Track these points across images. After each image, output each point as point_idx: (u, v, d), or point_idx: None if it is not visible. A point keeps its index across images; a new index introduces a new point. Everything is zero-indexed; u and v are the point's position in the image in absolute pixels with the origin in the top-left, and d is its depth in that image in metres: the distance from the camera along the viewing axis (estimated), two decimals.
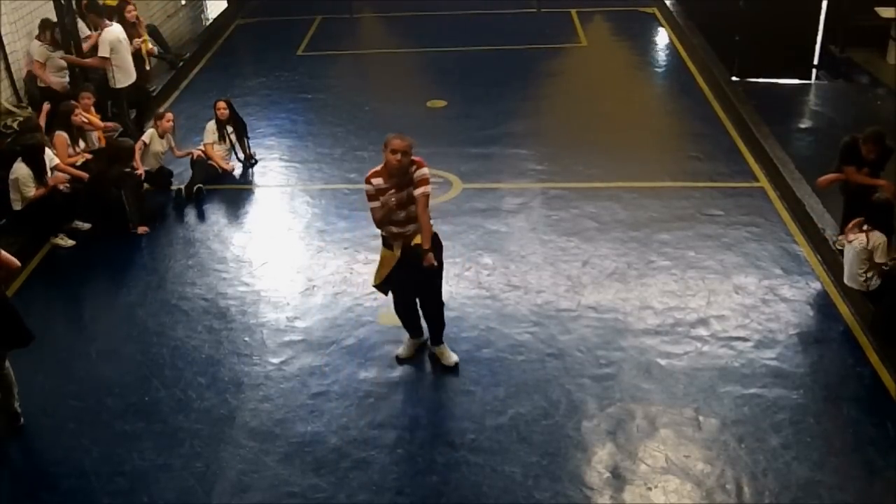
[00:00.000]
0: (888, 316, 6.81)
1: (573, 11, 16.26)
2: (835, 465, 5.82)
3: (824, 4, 12.89)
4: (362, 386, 6.71)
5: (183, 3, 15.87)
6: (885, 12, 12.55)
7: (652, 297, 7.66)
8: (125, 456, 6.08)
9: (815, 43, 12.73)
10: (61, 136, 9.34)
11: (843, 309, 7.44)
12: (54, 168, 8.83)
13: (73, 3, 10.86)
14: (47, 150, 8.78)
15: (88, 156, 9.58)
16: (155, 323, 7.59)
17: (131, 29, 11.41)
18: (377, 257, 6.68)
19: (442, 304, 6.79)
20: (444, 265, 6.73)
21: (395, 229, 6.37)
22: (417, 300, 6.74)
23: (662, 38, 14.98)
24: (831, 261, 7.91)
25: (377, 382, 6.74)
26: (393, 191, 6.19)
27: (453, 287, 7.75)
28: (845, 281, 7.36)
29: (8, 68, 10.34)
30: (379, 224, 6.43)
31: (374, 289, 6.85)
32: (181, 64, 13.67)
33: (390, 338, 7.19)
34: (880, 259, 7.01)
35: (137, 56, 11.37)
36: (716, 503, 5.55)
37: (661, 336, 7.14)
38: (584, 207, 9.25)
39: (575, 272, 8.08)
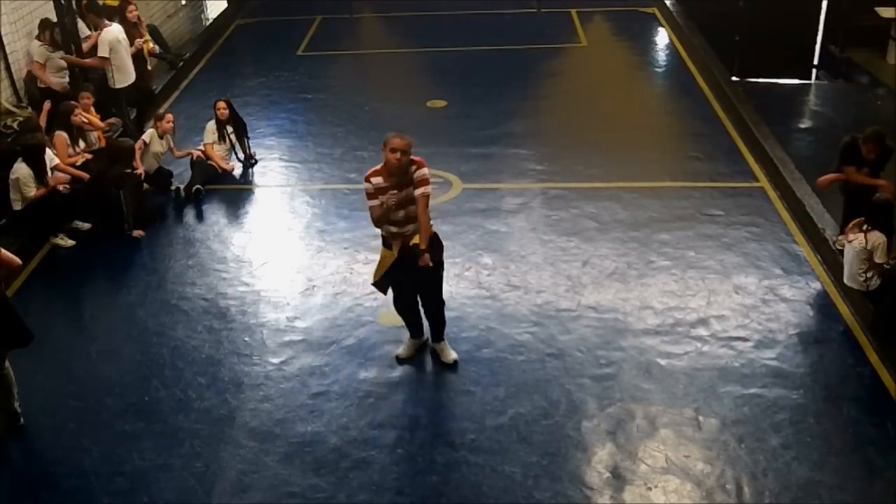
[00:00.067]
0: (888, 316, 6.81)
1: (573, 11, 16.27)
2: (835, 465, 5.82)
3: (824, 4, 12.92)
4: (362, 386, 6.71)
5: (183, 3, 15.87)
6: (885, 12, 12.55)
7: (652, 297, 7.66)
8: (125, 456, 6.07)
9: (815, 43, 12.75)
10: (61, 136, 9.34)
11: (843, 309, 7.44)
12: (54, 168, 8.84)
13: (73, 3, 10.87)
14: (47, 150, 8.78)
15: (88, 156, 9.59)
16: (155, 323, 7.59)
17: (133, 29, 11.38)
18: (377, 257, 6.69)
19: (442, 302, 6.80)
20: (445, 265, 6.74)
21: (393, 229, 6.38)
22: (419, 298, 6.75)
23: (662, 38, 14.98)
24: (831, 261, 7.91)
25: (377, 382, 6.74)
26: (394, 191, 6.20)
27: (453, 287, 7.75)
28: (845, 281, 7.36)
29: (8, 68, 10.34)
30: (377, 223, 6.44)
31: (373, 288, 6.86)
32: (181, 64, 13.67)
33: (390, 338, 7.19)
34: (880, 259, 7.01)
35: (139, 56, 11.36)
36: (716, 503, 5.55)
37: (661, 336, 7.14)
38: (584, 207, 9.25)
39: (575, 272, 8.08)
